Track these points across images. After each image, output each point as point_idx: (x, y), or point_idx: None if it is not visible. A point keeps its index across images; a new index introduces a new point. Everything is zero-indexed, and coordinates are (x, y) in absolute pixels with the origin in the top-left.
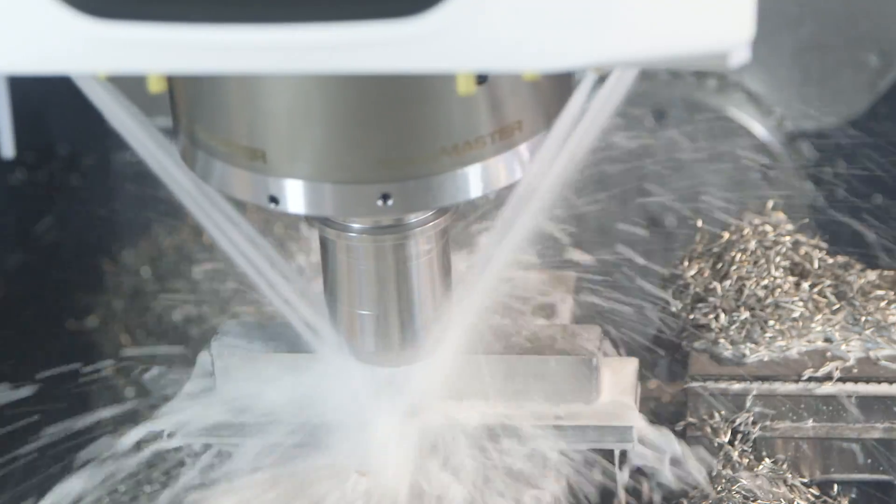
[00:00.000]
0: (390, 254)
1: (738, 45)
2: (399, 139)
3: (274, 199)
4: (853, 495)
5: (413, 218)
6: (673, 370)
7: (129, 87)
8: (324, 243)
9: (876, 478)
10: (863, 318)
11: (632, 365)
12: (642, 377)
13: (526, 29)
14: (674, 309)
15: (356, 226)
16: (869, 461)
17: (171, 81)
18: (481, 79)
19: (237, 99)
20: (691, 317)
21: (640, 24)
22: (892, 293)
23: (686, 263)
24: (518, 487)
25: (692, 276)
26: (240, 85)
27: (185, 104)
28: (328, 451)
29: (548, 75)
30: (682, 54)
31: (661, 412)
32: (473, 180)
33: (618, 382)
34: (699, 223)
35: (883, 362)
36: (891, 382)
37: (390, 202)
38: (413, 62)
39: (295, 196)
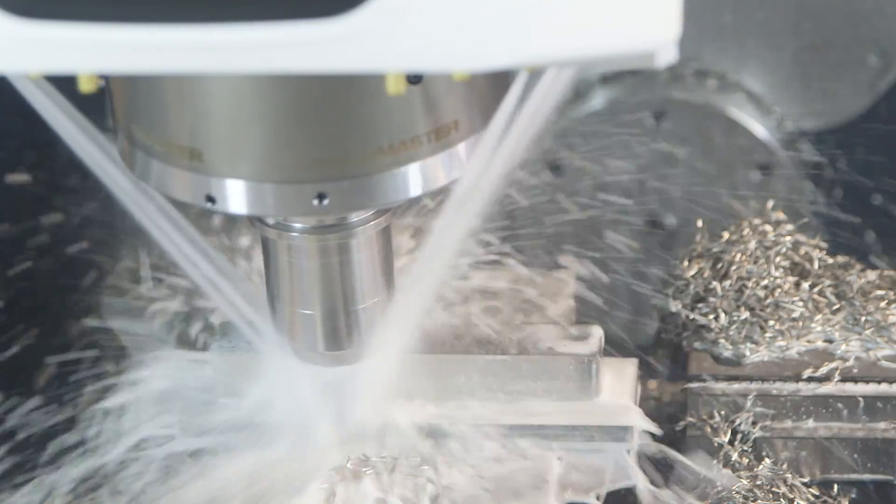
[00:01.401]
0: (331, 253)
1: (665, 45)
2: (333, 139)
3: (211, 199)
4: (853, 495)
5: (354, 217)
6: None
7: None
8: (265, 243)
9: (876, 478)
10: (863, 318)
11: (632, 365)
12: (642, 377)
13: (451, 29)
14: (673, 309)
15: (297, 225)
16: (869, 461)
17: (109, 81)
18: (415, 79)
19: (173, 99)
20: (691, 317)
21: (567, 24)
22: (892, 293)
23: (686, 263)
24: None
25: (692, 276)
26: (175, 85)
27: (122, 104)
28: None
29: (483, 75)
30: (609, 54)
31: (661, 412)
32: (410, 180)
33: (617, 382)
34: (699, 223)
35: (883, 362)
36: (891, 382)
37: (326, 202)
38: (338, 62)
39: (230, 195)
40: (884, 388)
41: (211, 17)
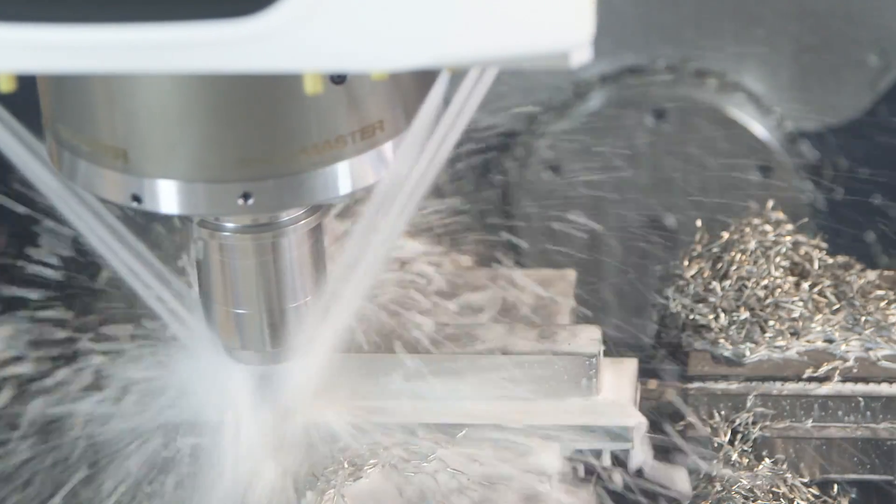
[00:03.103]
0: (263, 252)
1: (579, 45)
2: (256, 138)
3: (137, 198)
4: (853, 495)
5: (285, 216)
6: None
7: None
8: (197, 242)
9: (876, 478)
10: (863, 318)
11: (632, 365)
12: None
13: (363, 29)
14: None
15: (229, 225)
16: (869, 461)
17: (37, 82)
18: (339, 79)
19: (97, 99)
20: (691, 317)
21: (481, 25)
22: (892, 293)
23: (686, 263)
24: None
25: (692, 276)
26: (99, 85)
27: (48, 104)
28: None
29: (407, 75)
30: (523, 54)
31: (661, 412)
32: (335, 179)
33: (617, 382)
34: (699, 223)
35: (883, 362)
36: (891, 382)
37: (251, 201)
38: (251, 62)
39: (156, 195)
40: (884, 388)
41: (123, 16)
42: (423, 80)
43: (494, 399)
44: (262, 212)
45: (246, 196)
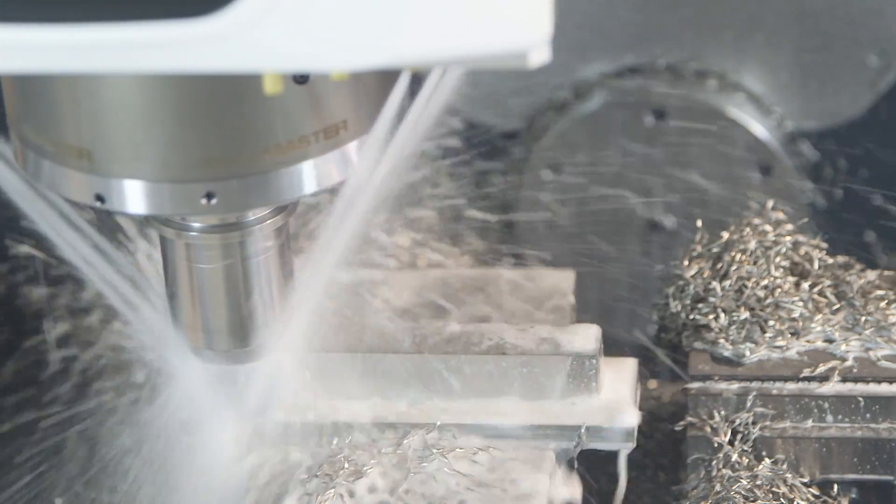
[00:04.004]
0: (229, 252)
1: (537, 45)
2: (220, 138)
3: (100, 198)
4: (853, 495)
5: (251, 216)
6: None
7: None
8: (163, 242)
9: (876, 478)
10: (863, 318)
11: (631, 365)
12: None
13: (320, 29)
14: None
15: (195, 225)
16: (869, 461)
17: (1, 82)
18: (302, 79)
19: (60, 99)
20: (691, 317)
21: (437, 24)
22: (892, 293)
23: (686, 263)
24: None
25: (692, 276)
26: (62, 85)
27: (13, 104)
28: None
29: (371, 74)
30: (481, 54)
31: (661, 412)
32: (298, 179)
33: (617, 382)
34: (699, 223)
35: (883, 362)
36: (891, 382)
37: (214, 201)
38: (208, 62)
39: (119, 194)
40: (884, 388)
41: (80, 16)
42: (385, 80)
43: (494, 399)
44: (226, 212)
45: (209, 196)
